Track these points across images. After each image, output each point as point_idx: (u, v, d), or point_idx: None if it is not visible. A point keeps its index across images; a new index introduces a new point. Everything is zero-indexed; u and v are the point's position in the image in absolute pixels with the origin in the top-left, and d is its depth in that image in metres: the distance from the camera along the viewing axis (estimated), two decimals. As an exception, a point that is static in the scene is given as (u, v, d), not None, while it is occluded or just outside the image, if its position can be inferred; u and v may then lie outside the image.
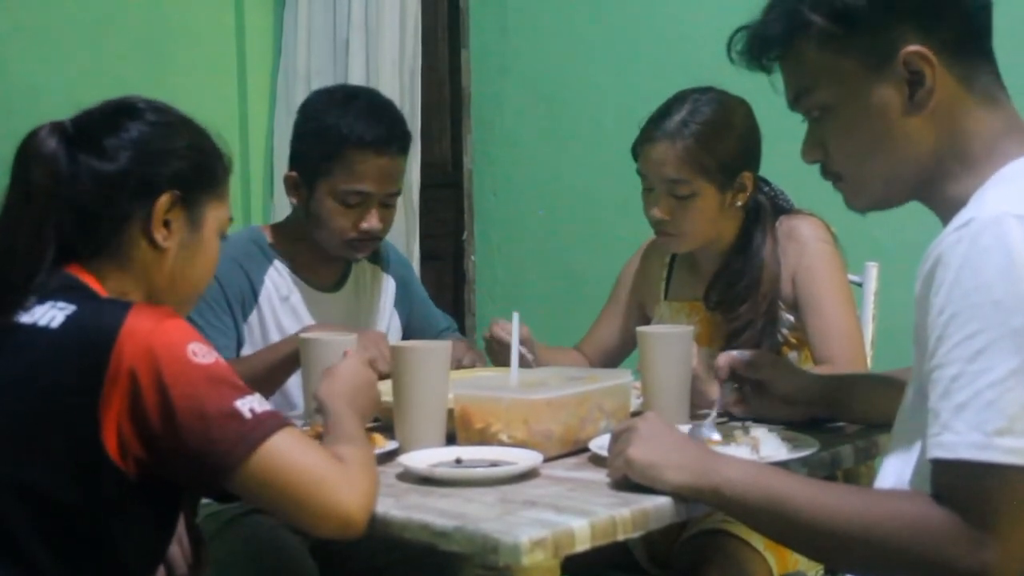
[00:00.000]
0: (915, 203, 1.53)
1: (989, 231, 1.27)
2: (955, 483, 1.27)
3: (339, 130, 2.34)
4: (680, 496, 1.50)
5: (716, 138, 2.22)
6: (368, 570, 2.27)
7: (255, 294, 2.38)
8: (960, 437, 1.25)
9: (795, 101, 1.53)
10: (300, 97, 3.63)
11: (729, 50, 1.55)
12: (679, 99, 2.26)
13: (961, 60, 1.42)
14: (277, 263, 2.43)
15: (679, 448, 1.53)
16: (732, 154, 2.24)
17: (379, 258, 2.59)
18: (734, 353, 1.93)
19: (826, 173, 1.54)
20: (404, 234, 3.82)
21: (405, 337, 2.55)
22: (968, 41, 1.44)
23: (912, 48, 1.41)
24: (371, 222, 2.37)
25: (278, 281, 2.42)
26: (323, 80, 3.77)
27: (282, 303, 2.41)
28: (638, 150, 2.29)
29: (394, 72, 3.84)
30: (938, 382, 1.28)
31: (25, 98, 3.25)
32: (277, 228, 2.52)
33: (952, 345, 1.27)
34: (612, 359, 2.54)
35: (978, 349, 1.25)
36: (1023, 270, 1.25)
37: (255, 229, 2.48)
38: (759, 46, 1.51)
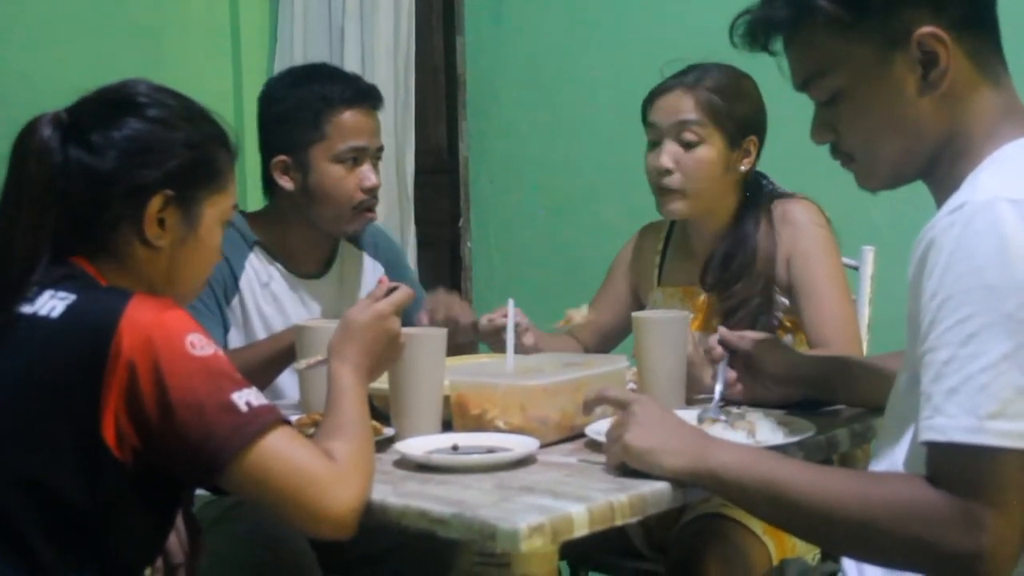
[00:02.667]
0: (912, 188, 1.53)
1: (982, 215, 1.27)
2: (948, 466, 1.27)
3: (320, 94, 2.39)
4: (677, 481, 1.50)
5: (730, 93, 2.26)
6: (366, 557, 2.27)
7: (236, 279, 2.39)
8: (952, 420, 1.26)
9: (804, 85, 1.51)
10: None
11: (732, 34, 1.53)
12: (692, 66, 2.30)
13: (970, 38, 1.42)
14: (257, 249, 2.44)
15: (676, 433, 1.53)
16: (743, 112, 2.28)
17: (365, 243, 2.60)
18: (723, 329, 1.94)
19: (836, 154, 1.53)
20: (399, 221, 3.81)
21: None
22: (976, 18, 1.43)
23: (926, 29, 1.40)
24: (371, 179, 2.41)
25: (258, 267, 2.42)
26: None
27: (262, 289, 2.41)
28: (649, 105, 2.32)
29: (388, 59, 3.83)
30: (930, 366, 1.29)
31: (21, 88, 3.24)
32: (258, 215, 2.51)
33: (944, 329, 1.27)
34: (606, 345, 2.54)
35: (970, 333, 1.25)
36: (1016, 254, 1.25)
37: (235, 215, 2.46)
38: (763, 31, 1.50)
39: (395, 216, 3.78)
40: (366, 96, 2.43)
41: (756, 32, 1.51)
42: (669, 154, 2.26)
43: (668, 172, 2.26)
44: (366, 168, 2.41)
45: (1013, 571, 1.27)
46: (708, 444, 1.51)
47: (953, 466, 1.27)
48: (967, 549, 1.25)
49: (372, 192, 2.42)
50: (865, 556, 1.41)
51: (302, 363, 1.87)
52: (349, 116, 2.39)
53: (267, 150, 2.45)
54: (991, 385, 1.24)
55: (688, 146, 2.25)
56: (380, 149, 2.46)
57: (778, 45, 1.51)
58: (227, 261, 2.36)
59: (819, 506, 1.36)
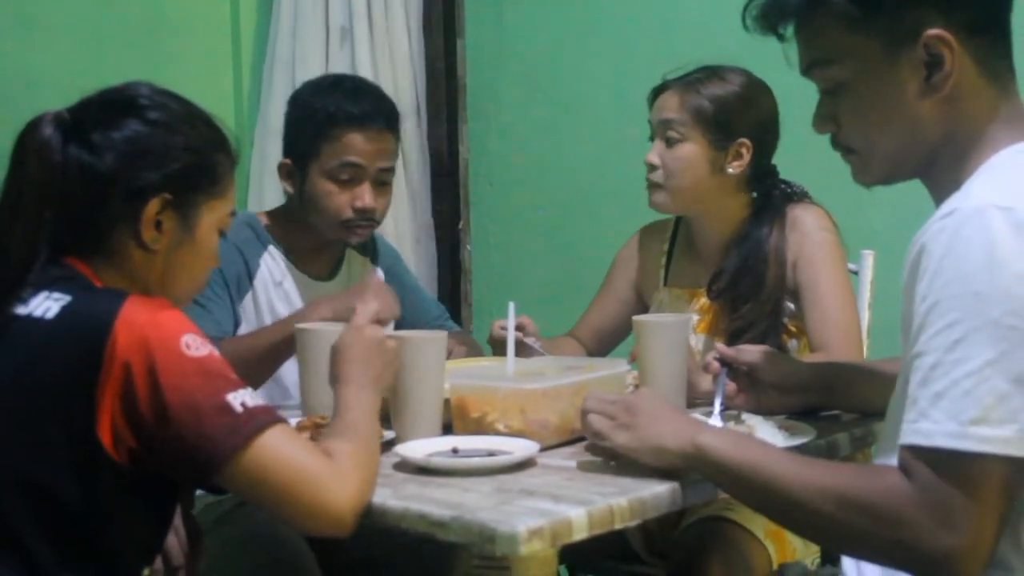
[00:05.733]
0: (911, 192, 1.54)
1: (972, 222, 1.28)
2: (930, 469, 1.28)
3: (326, 109, 2.38)
4: (666, 462, 1.51)
5: (724, 97, 2.27)
6: (366, 560, 2.27)
7: (250, 276, 2.39)
8: (937, 426, 1.27)
9: (808, 70, 1.53)
10: (282, 86, 3.62)
11: (744, 17, 1.55)
12: (706, 67, 2.31)
13: (978, 43, 1.42)
14: (272, 248, 2.44)
15: (666, 417, 1.54)
16: (735, 116, 2.27)
17: (369, 249, 2.61)
18: (720, 345, 1.95)
19: (836, 145, 1.54)
20: (418, 232, 3.83)
21: (395, 326, 2.55)
22: (987, 22, 1.43)
23: (934, 32, 1.40)
24: (364, 199, 2.38)
25: (272, 266, 2.43)
26: (307, 68, 3.73)
27: (276, 287, 2.42)
28: (651, 102, 2.35)
29: (385, 62, 3.82)
30: (918, 370, 1.30)
31: (22, 88, 3.25)
32: (272, 215, 2.54)
33: (932, 334, 1.29)
34: (606, 344, 2.54)
35: (956, 339, 1.27)
36: (1004, 261, 1.26)
37: (250, 214, 2.50)
38: (776, 14, 1.51)
39: (407, 221, 3.79)
40: (372, 116, 2.39)
41: (769, 15, 1.52)
42: (655, 151, 2.31)
43: (653, 168, 2.31)
44: (362, 188, 2.38)
45: (986, 574, 1.28)
46: (697, 425, 1.53)
47: (935, 469, 1.27)
48: (943, 548, 1.26)
49: (364, 213, 2.39)
50: (843, 548, 1.44)
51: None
52: (348, 135, 2.37)
53: (283, 149, 2.48)
54: (974, 391, 1.25)
55: (670, 143, 2.28)
56: (385, 170, 2.42)
57: (789, 31, 1.52)
58: (243, 259, 2.38)
59: (797, 492, 1.37)
